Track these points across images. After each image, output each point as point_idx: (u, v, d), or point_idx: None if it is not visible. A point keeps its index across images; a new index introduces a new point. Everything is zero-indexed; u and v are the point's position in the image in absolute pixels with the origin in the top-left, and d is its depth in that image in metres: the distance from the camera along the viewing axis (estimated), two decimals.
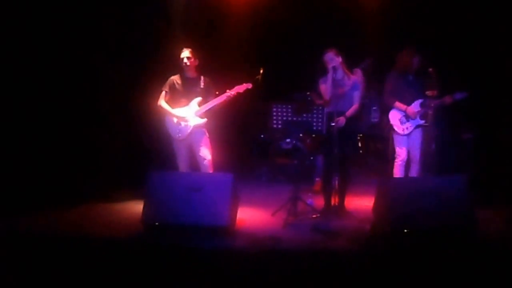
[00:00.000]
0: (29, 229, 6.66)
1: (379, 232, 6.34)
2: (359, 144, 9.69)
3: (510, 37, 8.11)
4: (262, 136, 10.06)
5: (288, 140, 9.53)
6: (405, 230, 6.10)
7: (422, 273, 5.36)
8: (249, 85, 7.51)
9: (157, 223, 6.46)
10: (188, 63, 7.43)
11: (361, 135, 9.89)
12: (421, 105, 7.54)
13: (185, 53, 7.44)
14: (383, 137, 9.88)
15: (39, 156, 7.93)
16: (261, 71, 7.89)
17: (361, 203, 7.77)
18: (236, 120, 9.81)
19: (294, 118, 7.08)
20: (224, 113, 7.95)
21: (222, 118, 8.07)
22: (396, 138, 7.75)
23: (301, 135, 9.23)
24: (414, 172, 7.67)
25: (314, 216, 7.19)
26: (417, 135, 7.67)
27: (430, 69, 7.41)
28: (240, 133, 10.17)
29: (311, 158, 9.13)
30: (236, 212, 6.75)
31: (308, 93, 8.47)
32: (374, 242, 6.26)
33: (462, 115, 8.47)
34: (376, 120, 10.02)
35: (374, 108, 9.94)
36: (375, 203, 6.64)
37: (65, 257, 5.83)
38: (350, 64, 7.50)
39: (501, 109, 8.26)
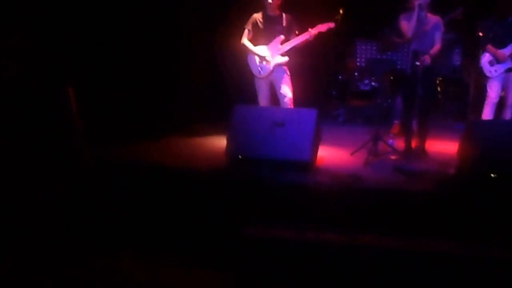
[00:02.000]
0: (118, 158, 6.83)
1: (464, 176, 6.19)
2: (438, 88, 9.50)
3: None
4: (340, 77, 9.95)
5: (366, 81, 9.46)
6: (493, 175, 5.93)
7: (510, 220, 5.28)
8: (332, 25, 7.41)
9: (240, 156, 6.51)
10: (271, 1, 7.34)
11: (440, 78, 9.68)
12: None
13: None
14: (463, 81, 9.72)
15: (127, 91, 8.02)
16: (341, 11, 7.72)
17: (442, 147, 7.63)
18: (315, 60, 9.70)
19: (378, 56, 6.93)
20: (304, 52, 7.87)
21: (302, 57, 7.96)
22: (487, 81, 7.59)
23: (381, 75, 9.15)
24: (507, 117, 7.49)
25: (394, 157, 7.09)
26: (511, 78, 7.44)
27: None
28: (319, 72, 10.06)
29: (389, 100, 9.01)
30: (318, 148, 6.75)
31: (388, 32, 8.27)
32: (459, 185, 6.13)
33: None
34: (457, 63, 9.78)
35: (456, 50, 9.69)
36: (460, 146, 6.47)
37: (149, 187, 6.01)
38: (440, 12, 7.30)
39: None
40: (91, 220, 5.74)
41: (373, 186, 6.05)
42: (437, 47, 7.12)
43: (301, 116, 6.62)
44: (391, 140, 7.57)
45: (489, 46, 7.47)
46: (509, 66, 7.38)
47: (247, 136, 6.51)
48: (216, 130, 8.15)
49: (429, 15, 7.15)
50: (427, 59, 6.94)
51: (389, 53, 6.93)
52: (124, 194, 5.93)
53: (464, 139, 6.39)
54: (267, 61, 7.45)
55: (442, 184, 6.15)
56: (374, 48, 6.94)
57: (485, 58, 7.55)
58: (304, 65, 8.88)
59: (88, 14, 7.51)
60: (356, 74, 9.72)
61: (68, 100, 6.38)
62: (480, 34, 7.61)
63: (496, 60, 7.42)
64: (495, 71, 7.44)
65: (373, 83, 9.37)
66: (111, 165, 6.53)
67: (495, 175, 5.91)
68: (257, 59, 7.49)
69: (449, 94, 9.98)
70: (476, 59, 7.99)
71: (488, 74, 7.49)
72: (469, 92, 9.46)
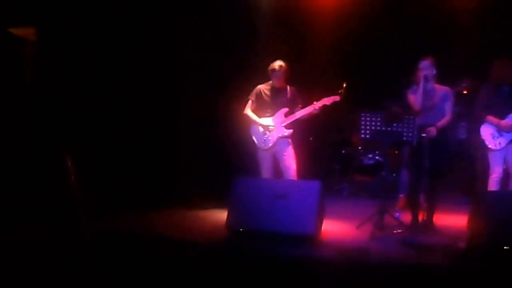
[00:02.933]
0: (117, 228, 6.78)
1: (475, 248, 5.97)
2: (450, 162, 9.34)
3: None
4: (343, 151, 9.84)
5: (370, 155, 9.33)
6: (505, 247, 5.73)
7: None
8: (337, 98, 7.39)
9: (241, 229, 6.38)
10: (280, 72, 7.33)
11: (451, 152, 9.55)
12: None
13: (278, 62, 7.36)
14: (470, 155, 9.56)
15: (129, 161, 8.04)
16: (344, 85, 7.67)
17: (451, 220, 7.43)
18: (319, 133, 9.66)
19: (383, 128, 6.81)
20: (308, 125, 7.89)
21: (306, 130, 7.89)
22: (490, 154, 7.35)
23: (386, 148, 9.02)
24: None
25: (401, 231, 6.89)
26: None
27: None
28: (322, 146, 9.98)
29: (394, 174, 8.85)
30: (322, 221, 6.60)
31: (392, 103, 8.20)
32: (470, 258, 5.91)
33: None
34: (463, 136, 9.67)
35: (462, 124, 9.59)
36: (470, 218, 6.29)
37: (148, 258, 5.79)
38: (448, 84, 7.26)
39: None
40: None
41: (380, 260, 5.86)
42: (446, 118, 7.04)
43: (304, 188, 6.53)
44: (397, 214, 7.38)
45: (490, 117, 7.25)
46: None
47: (248, 208, 6.40)
48: (218, 203, 7.95)
49: (437, 86, 7.09)
50: (432, 130, 6.84)
51: (394, 125, 6.79)
52: (123, 265, 5.70)
53: (474, 211, 6.21)
54: (271, 132, 7.35)
55: (453, 257, 5.95)
56: (378, 120, 6.82)
57: (487, 130, 7.33)
58: (307, 138, 8.83)
59: (91, 81, 7.53)
60: (360, 148, 9.60)
61: (66, 167, 6.27)
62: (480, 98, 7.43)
63: (499, 132, 7.24)
64: (499, 143, 7.24)
65: (377, 157, 9.23)
66: (111, 235, 6.41)
67: (508, 248, 5.68)
68: (261, 130, 7.43)
69: (456, 169, 9.80)
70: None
71: (492, 147, 7.27)
72: (476, 165, 9.27)
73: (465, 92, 8.58)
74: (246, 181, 6.66)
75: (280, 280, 5.45)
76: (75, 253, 5.84)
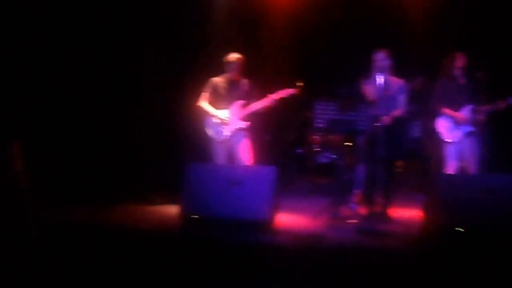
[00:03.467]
0: (66, 220, 6.63)
1: (430, 231, 6.01)
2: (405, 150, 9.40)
3: None
4: (300, 150, 9.81)
5: (326, 153, 9.31)
6: (459, 229, 5.75)
7: (475, 274, 5.05)
8: (293, 91, 7.35)
9: (195, 216, 6.25)
10: (236, 64, 7.29)
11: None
12: (472, 111, 7.21)
13: (235, 54, 7.32)
14: (424, 154, 9.62)
15: (81, 154, 7.96)
16: (301, 84, 7.65)
17: (406, 213, 7.40)
18: (276, 132, 9.62)
19: (338, 117, 6.79)
20: (265, 124, 7.91)
21: (263, 129, 7.86)
22: (445, 147, 7.39)
23: (340, 149, 9.00)
24: None
25: (357, 220, 6.86)
26: (470, 143, 7.28)
27: (479, 73, 7.10)
28: (279, 145, 9.93)
29: (350, 173, 8.83)
30: (277, 208, 6.52)
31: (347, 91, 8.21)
32: (425, 240, 5.95)
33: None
34: (417, 134, 9.73)
35: (415, 122, 9.65)
36: (426, 201, 6.36)
37: (102, 248, 5.69)
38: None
39: None
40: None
41: (335, 245, 5.85)
42: (399, 110, 7.06)
43: (258, 174, 6.48)
44: (352, 204, 7.34)
45: (446, 110, 7.33)
46: (468, 130, 7.23)
47: (202, 195, 6.30)
48: (173, 197, 7.76)
49: (392, 78, 7.10)
50: (386, 119, 6.84)
51: (349, 113, 6.78)
52: (73, 257, 5.52)
53: (429, 192, 6.21)
54: (226, 125, 7.26)
55: (407, 240, 5.96)
56: (333, 108, 6.79)
57: (443, 123, 7.39)
58: (264, 138, 8.79)
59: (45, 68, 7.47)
60: (316, 147, 9.58)
61: (13, 156, 6.07)
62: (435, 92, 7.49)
63: (455, 125, 7.29)
64: (455, 136, 7.30)
65: (333, 156, 9.21)
66: (59, 227, 6.18)
67: (461, 229, 5.72)
68: (216, 122, 7.31)
69: (410, 167, 9.84)
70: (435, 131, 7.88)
71: (447, 139, 7.32)
72: (431, 165, 9.32)
73: (418, 89, 8.61)
74: (200, 167, 6.56)
75: (234, 266, 5.35)
76: (21, 246, 5.66)
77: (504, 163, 8.09)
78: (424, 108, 8.80)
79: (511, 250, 5.49)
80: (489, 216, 5.82)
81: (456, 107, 7.29)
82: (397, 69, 7.26)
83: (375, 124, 6.78)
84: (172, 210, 6.96)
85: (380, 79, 6.81)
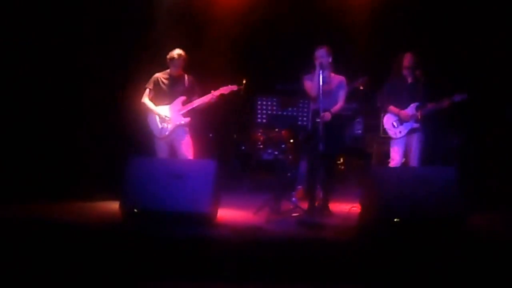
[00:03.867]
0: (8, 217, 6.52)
1: (366, 222, 6.14)
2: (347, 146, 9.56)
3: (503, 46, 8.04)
4: (243, 147, 9.86)
5: (269, 150, 9.38)
6: (394, 220, 5.89)
7: (410, 263, 5.20)
8: (234, 87, 7.45)
9: (136, 210, 6.22)
10: (179, 60, 7.32)
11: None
12: (417, 108, 7.41)
13: (177, 51, 7.33)
14: (366, 152, 9.81)
15: (24, 151, 7.86)
16: (244, 82, 7.73)
17: (346, 207, 7.51)
18: (219, 129, 9.64)
19: (279, 112, 6.88)
20: (208, 120, 7.82)
21: (206, 125, 7.88)
22: (391, 143, 7.60)
23: (283, 146, 9.11)
24: None
25: (298, 214, 6.96)
26: (414, 140, 7.47)
27: (417, 72, 7.31)
28: (222, 139, 9.97)
29: (293, 170, 8.94)
30: (218, 201, 6.57)
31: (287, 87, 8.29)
32: (362, 232, 6.08)
33: (450, 120, 8.34)
34: (359, 132, 9.91)
35: (357, 120, 9.83)
36: (362, 193, 6.49)
37: (43, 244, 5.57)
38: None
39: (489, 115, 8.16)
40: None
41: (276, 237, 5.90)
42: (339, 104, 7.20)
43: (199, 167, 6.47)
44: (294, 198, 7.43)
45: (392, 107, 7.52)
46: (412, 127, 7.43)
47: (143, 188, 6.25)
48: (114, 193, 7.72)
49: (332, 74, 7.26)
50: (327, 115, 6.96)
51: (290, 109, 6.87)
52: (14, 253, 5.45)
53: (365, 185, 6.34)
54: (168, 121, 7.27)
55: (345, 232, 6.07)
56: (274, 104, 6.88)
57: (388, 120, 7.59)
58: (207, 134, 8.80)
59: None
60: (259, 144, 9.64)
61: None
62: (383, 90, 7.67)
63: (400, 121, 7.48)
64: (400, 132, 7.49)
65: (276, 153, 9.29)
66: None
67: (398, 220, 5.83)
68: (157, 119, 7.33)
69: (352, 165, 10.02)
70: (377, 129, 8.05)
71: (393, 135, 7.52)
72: (371, 162, 9.52)
73: (361, 88, 8.79)
74: (140, 161, 6.51)
75: (175, 259, 5.36)
76: None
77: (446, 158, 8.30)
78: (366, 106, 9.00)
79: (444, 239, 5.68)
80: (424, 207, 5.97)
81: (403, 105, 7.48)
82: (341, 67, 7.40)
83: (316, 120, 6.88)
84: (114, 205, 6.89)
85: (320, 75, 6.90)
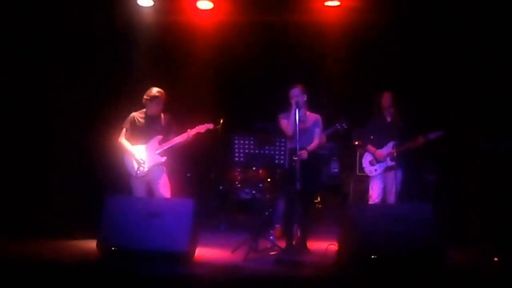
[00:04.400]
0: None
1: (344, 259, 6.15)
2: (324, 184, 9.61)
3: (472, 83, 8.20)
4: (220, 187, 9.87)
5: (247, 189, 9.40)
6: (372, 256, 5.91)
7: None
8: (210, 126, 7.43)
9: (113, 248, 6.18)
10: (158, 100, 7.31)
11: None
12: (394, 146, 7.53)
13: (156, 89, 7.33)
14: (342, 190, 9.88)
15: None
16: (221, 121, 7.78)
17: (324, 245, 7.52)
18: (197, 169, 9.65)
19: (256, 151, 6.92)
20: (185, 161, 7.82)
21: (182, 158, 7.90)
22: (370, 181, 7.80)
23: (260, 185, 9.14)
24: None
25: (275, 252, 6.96)
26: (390, 177, 7.60)
27: (392, 110, 7.45)
28: (200, 178, 9.96)
29: (270, 209, 8.95)
30: (197, 240, 6.54)
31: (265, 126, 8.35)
32: (340, 269, 6.09)
33: (425, 156, 8.44)
34: (335, 170, 9.99)
35: (334, 159, 9.92)
36: (340, 231, 6.51)
37: (19, 283, 5.49)
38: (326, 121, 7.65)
39: (463, 151, 8.26)
40: None
41: (253, 275, 5.90)
42: (315, 143, 7.27)
43: (177, 206, 6.47)
44: (271, 237, 7.44)
45: (369, 146, 7.76)
46: (388, 165, 7.55)
47: (120, 227, 6.24)
48: (91, 232, 7.66)
49: (308, 113, 7.35)
50: (303, 153, 7.04)
51: (267, 147, 6.93)
52: None
53: (343, 222, 6.38)
54: (144, 161, 7.24)
55: (323, 269, 6.10)
56: (252, 143, 6.93)
57: (366, 158, 7.81)
58: (185, 174, 8.80)
59: None
60: (237, 183, 9.66)
61: None
62: (356, 143, 7.84)
63: (376, 160, 7.61)
64: (375, 170, 7.66)
65: (253, 192, 9.32)
66: None
67: (375, 257, 5.86)
68: (134, 158, 7.27)
69: (329, 203, 10.06)
70: (353, 168, 8.15)
71: (369, 173, 7.70)
72: (348, 200, 9.59)
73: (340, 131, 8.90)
74: (119, 199, 6.52)
75: None
76: None
77: (413, 193, 8.37)
78: (342, 145, 9.10)
79: (423, 276, 5.71)
80: (401, 243, 6.01)
81: (381, 143, 7.68)
82: (317, 106, 7.51)
83: (293, 158, 6.94)
84: (91, 244, 6.84)
85: (297, 114, 6.97)
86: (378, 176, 7.69)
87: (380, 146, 7.69)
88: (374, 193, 7.64)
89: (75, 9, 8.29)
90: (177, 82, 9.03)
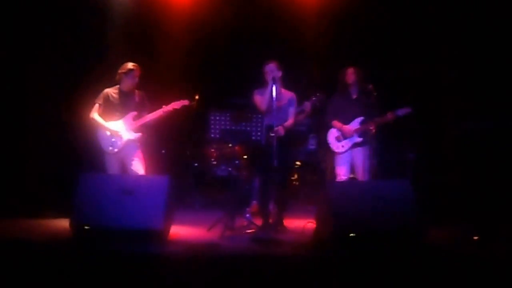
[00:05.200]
0: None
1: (322, 238, 6.10)
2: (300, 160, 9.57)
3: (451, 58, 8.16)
4: (196, 164, 9.76)
5: (223, 167, 9.31)
6: (350, 234, 5.85)
7: (366, 278, 5.16)
8: (186, 102, 7.35)
9: (87, 227, 6.05)
10: (132, 74, 7.20)
11: (298, 163, 9.76)
12: (361, 122, 7.45)
13: (130, 64, 7.23)
14: (320, 167, 9.82)
15: None
16: (196, 97, 7.67)
17: (301, 223, 7.47)
18: (171, 146, 9.53)
19: (233, 127, 6.81)
20: (160, 137, 7.73)
21: (158, 141, 7.79)
22: (335, 157, 7.62)
23: (237, 162, 9.03)
24: None
25: (252, 230, 6.89)
26: (359, 154, 7.51)
27: (370, 86, 7.33)
28: (175, 155, 9.84)
29: (247, 186, 8.86)
30: (172, 218, 6.46)
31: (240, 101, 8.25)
32: (317, 247, 6.04)
33: (404, 134, 8.39)
34: (313, 147, 9.93)
35: (311, 135, 9.85)
36: (317, 209, 6.45)
37: None
38: (302, 96, 7.52)
39: (442, 128, 8.25)
40: None
41: (229, 253, 5.86)
42: (290, 121, 7.18)
43: (152, 183, 6.36)
44: (248, 215, 7.36)
45: (335, 122, 7.58)
46: (355, 141, 7.46)
47: (94, 205, 6.10)
48: (64, 210, 7.53)
49: (283, 90, 7.24)
50: (280, 130, 6.97)
51: (243, 123, 6.81)
52: None
53: (320, 200, 6.32)
54: (118, 136, 7.13)
55: (301, 247, 6.05)
56: (227, 119, 6.81)
57: (332, 134, 7.63)
58: (160, 151, 8.69)
59: None
60: (212, 160, 9.57)
61: None
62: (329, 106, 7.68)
63: (343, 136, 7.51)
64: (342, 146, 7.54)
65: (229, 169, 9.23)
66: None
67: (354, 235, 5.80)
68: (108, 134, 7.17)
69: (306, 180, 10.01)
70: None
71: (336, 149, 7.55)
72: (326, 177, 9.53)
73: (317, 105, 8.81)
74: (92, 177, 6.37)
75: (127, 276, 5.24)
76: None
77: (393, 171, 8.34)
78: (320, 121, 9.02)
79: (401, 253, 5.67)
80: (379, 221, 5.95)
81: (347, 120, 7.51)
82: (292, 83, 7.40)
83: (270, 135, 6.85)
84: (64, 222, 6.71)
85: (274, 90, 6.87)
86: (345, 153, 7.58)
87: (346, 122, 7.56)
88: (342, 170, 7.54)
89: None
90: (152, 59, 8.92)
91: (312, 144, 9.95)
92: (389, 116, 7.41)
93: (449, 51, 8.17)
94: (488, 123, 7.80)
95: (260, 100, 7.18)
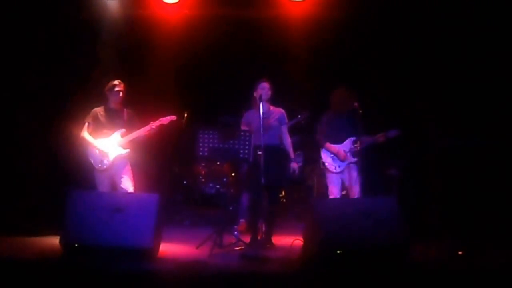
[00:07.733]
0: None
1: (309, 255, 6.14)
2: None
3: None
4: (185, 181, 9.81)
5: (211, 184, 9.37)
6: (337, 251, 5.90)
7: None
8: (173, 117, 7.44)
9: (76, 245, 6.08)
10: (118, 92, 7.29)
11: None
12: (353, 143, 7.53)
13: (116, 82, 7.33)
14: (307, 184, 9.88)
15: None
16: (185, 115, 7.75)
17: (289, 241, 7.51)
18: (160, 158, 9.57)
19: (221, 145, 6.87)
20: (148, 148, 7.85)
21: (146, 153, 7.85)
22: (329, 176, 7.69)
23: (225, 179, 9.11)
24: None
25: (240, 248, 6.95)
26: (352, 172, 7.58)
27: (355, 104, 7.41)
28: (164, 172, 9.86)
29: (235, 204, 8.93)
30: (161, 236, 6.48)
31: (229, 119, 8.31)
32: (305, 264, 6.07)
33: (387, 150, 8.47)
34: (299, 164, 9.96)
35: (297, 152, 9.89)
36: (305, 226, 6.50)
37: None
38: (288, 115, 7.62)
39: (426, 145, 8.35)
40: None
41: (218, 271, 5.87)
42: (288, 141, 7.48)
43: (141, 201, 6.39)
44: (236, 232, 7.42)
45: (328, 145, 7.64)
46: (351, 161, 7.53)
47: (83, 223, 6.12)
48: (54, 227, 7.52)
49: (272, 108, 7.31)
50: (294, 166, 7.30)
51: (231, 141, 6.88)
52: None
53: (308, 218, 6.38)
54: (107, 153, 7.20)
55: (288, 265, 6.09)
56: (216, 137, 6.87)
57: (327, 154, 7.69)
58: (149, 160, 8.76)
59: None
60: (201, 177, 9.62)
61: None
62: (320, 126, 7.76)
63: (338, 158, 7.58)
64: (339, 166, 7.59)
65: (217, 186, 9.29)
66: None
67: (341, 252, 5.86)
68: (97, 151, 7.23)
69: (293, 197, 10.06)
70: (317, 161, 8.15)
71: (332, 170, 7.60)
72: (313, 194, 9.60)
73: (303, 122, 8.93)
74: (82, 195, 6.41)
75: None
76: None
77: (377, 187, 8.40)
78: (306, 139, 9.10)
79: (387, 270, 5.74)
80: (366, 238, 6.00)
81: (341, 139, 7.61)
82: (282, 101, 7.48)
83: (257, 153, 6.91)
84: (54, 240, 6.74)
85: (261, 109, 6.96)
86: (339, 172, 7.67)
87: (339, 142, 7.65)
88: (335, 189, 7.59)
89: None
90: (142, 76, 8.94)
91: (298, 161, 9.99)
92: (380, 138, 7.56)
93: (428, 72, 8.28)
94: (470, 140, 7.91)
95: (250, 118, 7.26)
